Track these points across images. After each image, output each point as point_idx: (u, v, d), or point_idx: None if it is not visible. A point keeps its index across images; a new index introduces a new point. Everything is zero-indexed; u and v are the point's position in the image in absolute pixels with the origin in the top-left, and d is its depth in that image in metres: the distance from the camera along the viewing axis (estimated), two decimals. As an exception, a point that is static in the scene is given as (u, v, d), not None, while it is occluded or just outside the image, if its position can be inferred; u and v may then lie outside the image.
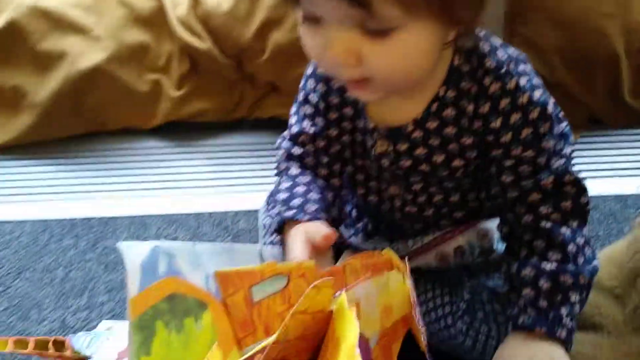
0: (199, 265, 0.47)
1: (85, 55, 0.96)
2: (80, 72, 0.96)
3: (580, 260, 0.52)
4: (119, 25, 0.98)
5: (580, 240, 0.53)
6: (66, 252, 0.85)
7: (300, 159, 0.62)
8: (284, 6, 0.93)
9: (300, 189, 0.59)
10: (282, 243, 0.57)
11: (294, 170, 0.61)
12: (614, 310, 0.63)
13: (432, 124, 0.55)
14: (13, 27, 0.95)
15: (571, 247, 0.52)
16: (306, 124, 0.61)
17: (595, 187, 0.92)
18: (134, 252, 0.43)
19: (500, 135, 0.53)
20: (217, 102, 1.01)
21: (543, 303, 0.51)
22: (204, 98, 1.01)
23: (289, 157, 0.62)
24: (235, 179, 0.97)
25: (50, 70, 0.97)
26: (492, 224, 0.65)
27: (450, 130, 0.55)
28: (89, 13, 0.99)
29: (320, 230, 0.53)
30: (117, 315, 0.76)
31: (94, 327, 0.74)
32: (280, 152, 0.64)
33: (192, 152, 1.02)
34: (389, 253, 0.50)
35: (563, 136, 0.54)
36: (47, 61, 0.97)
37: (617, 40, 0.98)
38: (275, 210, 0.58)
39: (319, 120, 0.60)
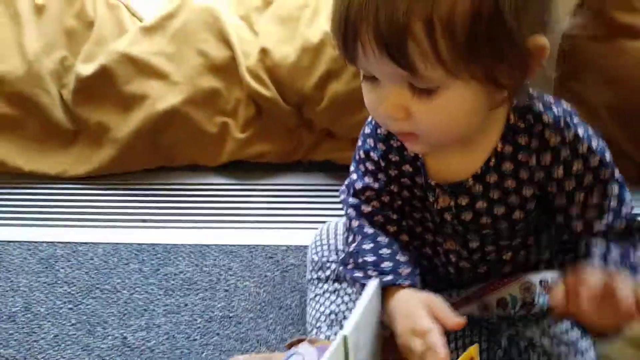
0: None
1: (164, 97, 1.07)
2: (159, 112, 1.06)
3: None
4: (195, 72, 1.08)
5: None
6: (132, 275, 0.93)
7: (370, 217, 0.64)
8: (342, 60, 1.00)
9: (386, 251, 0.62)
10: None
11: (369, 229, 0.64)
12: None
13: (491, 178, 0.58)
14: (104, 71, 1.08)
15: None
16: (369, 179, 0.64)
17: None
18: None
19: (564, 184, 0.56)
20: (277, 145, 1.08)
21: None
22: (266, 141, 1.08)
23: (359, 213, 0.65)
24: (289, 216, 1.03)
25: (133, 110, 1.08)
26: (536, 278, 0.66)
27: (509, 183, 0.58)
28: (170, 60, 1.10)
29: (445, 309, 0.55)
30: (171, 337, 0.82)
31: (152, 345, 0.81)
32: (348, 208, 0.66)
33: (251, 189, 1.10)
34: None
35: (622, 184, 0.58)
36: (130, 102, 1.08)
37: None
38: (364, 273, 0.61)
39: (382, 176, 0.64)
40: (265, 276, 0.91)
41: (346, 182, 0.68)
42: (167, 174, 1.13)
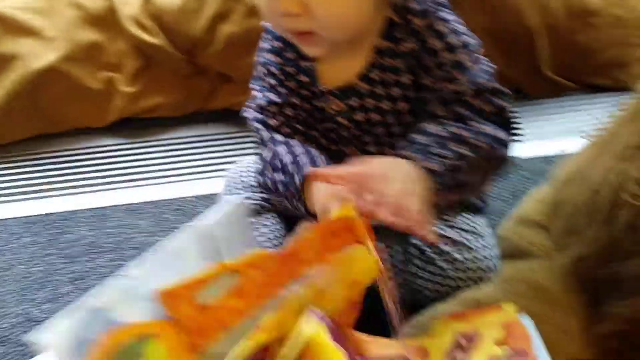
0: (137, 296, 0.46)
1: (38, 56, 0.98)
2: (34, 72, 0.97)
3: (477, 127, 0.58)
4: (71, 25, 1.00)
5: (486, 126, 0.58)
6: (26, 249, 0.85)
7: (277, 130, 0.65)
8: (229, 1, 0.98)
9: (299, 149, 0.62)
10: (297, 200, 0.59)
11: (279, 137, 0.64)
12: (541, 238, 0.71)
13: (375, 74, 0.60)
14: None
15: (473, 122, 0.58)
16: (272, 95, 0.65)
17: (523, 150, 1.02)
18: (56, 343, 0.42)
19: (428, 64, 0.59)
20: (170, 96, 1.04)
21: (424, 139, 0.57)
22: (157, 93, 1.03)
23: (267, 127, 0.65)
24: (192, 168, 1.00)
25: (3, 73, 0.97)
26: None
27: (390, 76, 0.60)
28: (40, 15, 1.00)
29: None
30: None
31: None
32: (256, 124, 0.66)
33: (148, 147, 1.04)
34: (347, 212, 0.50)
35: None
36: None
37: (533, 19, 1.08)
38: (284, 175, 0.61)
39: (282, 90, 0.64)
40: (176, 228, 0.88)
41: (248, 101, 0.68)
42: (50, 140, 1.04)
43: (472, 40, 0.61)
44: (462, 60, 0.59)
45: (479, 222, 0.71)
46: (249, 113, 0.67)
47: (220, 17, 1.00)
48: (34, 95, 0.99)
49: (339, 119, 0.64)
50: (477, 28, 1.04)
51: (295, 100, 0.65)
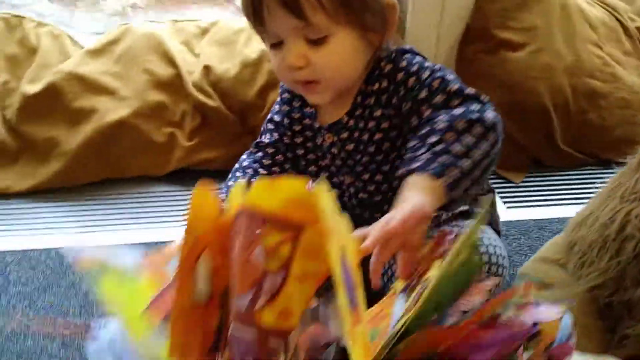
0: None
1: (112, 110, 1.13)
2: (108, 124, 1.11)
3: (446, 116, 0.61)
4: (142, 87, 1.16)
5: (454, 111, 0.62)
6: (90, 272, 0.94)
7: (268, 167, 0.79)
8: (254, 30, 1.14)
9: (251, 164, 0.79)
10: None
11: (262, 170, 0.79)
12: (559, 272, 0.78)
13: (358, 111, 0.72)
14: (52, 89, 1.12)
15: (440, 117, 0.62)
16: (266, 136, 0.80)
17: (542, 213, 1.13)
18: None
19: (401, 94, 0.68)
20: (223, 151, 1.16)
21: (407, 155, 0.61)
22: (212, 148, 1.16)
23: (249, 154, 0.81)
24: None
25: (81, 124, 1.12)
26: None
27: (367, 112, 0.72)
28: (117, 78, 1.17)
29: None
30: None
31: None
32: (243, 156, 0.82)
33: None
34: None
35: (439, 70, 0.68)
36: (79, 116, 1.13)
37: (545, 97, 1.20)
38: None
39: (276, 135, 0.79)
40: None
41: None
42: (117, 184, 1.16)
43: (434, 65, 0.69)
44: (424, 78, 0.67)
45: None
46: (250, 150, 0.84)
47: (270, 85, 1.15)
48: (106, 145, 1.12)
49: (333, 150, 0.75)
50: (495, 103, 1.19)
51: (298, 139, 0.78)
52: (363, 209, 0.78)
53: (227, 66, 1.17)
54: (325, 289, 0.43)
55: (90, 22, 1.97)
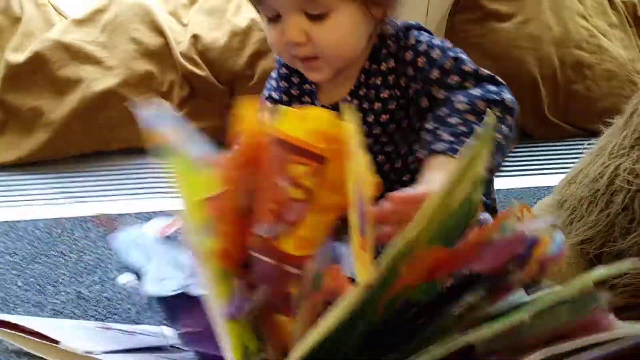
0: None
1: (99, 80, 1.11)
2: (94, 94, 1.10)
3: (465, 98, 0.60)
4: (129, 57, 1.14)
5: (472, 91, 0.61)
6: (78, 242, 0.93)
7: None
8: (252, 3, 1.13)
9: None
10: None
11: None
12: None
13: (362, 91, 0.69)
14: (37, 58, 1.10)
15: (459, 97, 0.60)
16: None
17: (527, 182, 1.14)
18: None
19: (410, 75, 0.65)
20: (212, 122, 1.15)
21: (426, 136, 0.59)
22: (200, 119, 1.15)
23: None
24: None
25: (67, 94, 1.11)
26: None
27: (372, 92, 0.68)
28: (103, 47, 1.15)
29: None
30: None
31: (109, 295, 0.82)
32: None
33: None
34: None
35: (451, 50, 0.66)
36: (64, 86, 1.11)
37: (533, 68, 1.21)
38: None
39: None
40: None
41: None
42: (104, 157, 1.15)
43: (442, 43, 0.66)
44: (434, 57, 0.64)
45: (485, 217, 0.77)
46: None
47: (259, 55, 1.14)
48: (93, 115, 1.11)
49: None
50: (483, 72, 1.21)
51: None
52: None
53: (215, 35, 1.16)
54: (341, 232, 0.44)
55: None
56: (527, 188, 1.12)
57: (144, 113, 0.50)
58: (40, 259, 0.90)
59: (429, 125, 0.61)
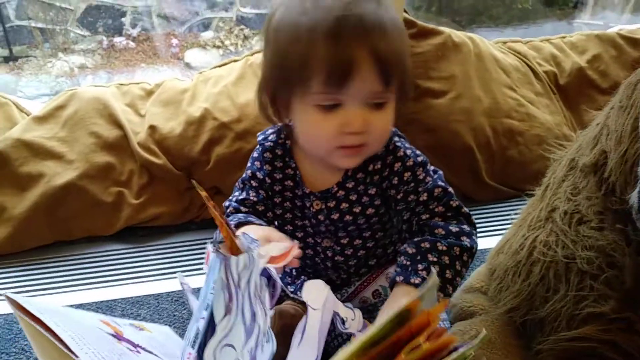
0: None
1: (60, 174, 1.16)
2: (55, 188, 1.14)
3: (445, 233, 0.71)
4: (89, 150, 1.20)
5: (451, 227, 0.72)
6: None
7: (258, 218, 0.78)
8: (221, 129, 1.21)
9: (255, 219, 0.76)
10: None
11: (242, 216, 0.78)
12: (482, 300, 0.85)
13: (349, 184, 0.76)
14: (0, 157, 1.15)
15: (439, 229, 0.72)
16: (252, 193, 0.79)
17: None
18: None
19: (393, 182, 0.75)
20: (170, 207, 1.21)
21: (406, 262, 0.70)
22: (159, 205, 1.20)
23: (238, 211, 0.79)
24: (187, 267, 1.13)
25: (29, 189, 1.15)
26: (392, 268, 0.85)
27: (362, 187, 0.76)
28: (64, 142, 1.20)
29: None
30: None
31: None
32: (230, 209, 0.80)
33: (149, 250, 1.19)
34: None
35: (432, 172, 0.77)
36: (26, 181, 1.15)
37: (468, 138, 1.32)
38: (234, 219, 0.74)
39: (262, 192, 0.79)
40: (174, 315, 1.00)
41: (229, 198, 0.82)
42: (65, 247, 1.18)
43: (422, 158, 0.76)
44: (419, 175, 0.75)
45: None
46: (229, 202, 0.81)
47: (214, 141, 1.22)
48: (54, 208, 1.15)
49: (319, 217, 0.78)
50: (423, 145, 1.30)
51: (277, 199, 0.79)
52: (336, 270, 0.83)
53: (172, 125, 1.23)
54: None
55: (37, 85, 2.00)
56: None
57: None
58: (1, 357, 0.91)
59: (407, 249, 0.71)
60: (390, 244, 0.85)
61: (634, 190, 0.66)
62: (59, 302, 1.03)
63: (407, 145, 0.78)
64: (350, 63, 0.63)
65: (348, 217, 0.78)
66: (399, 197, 0.75)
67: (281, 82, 0.69)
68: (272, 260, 0.63)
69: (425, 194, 0.74)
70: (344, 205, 0.77)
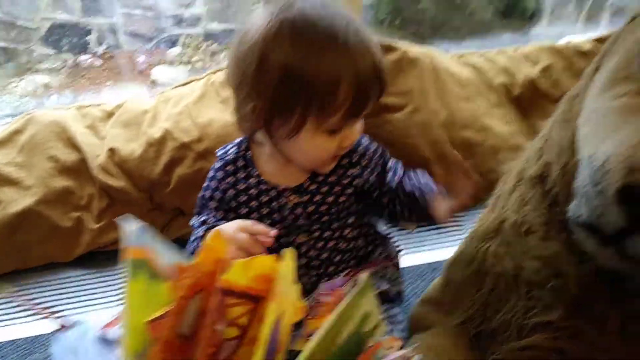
0: None
1: (16, 201, 1.14)
2: (11, 215, 1.12)
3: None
4: (47, 175, 1.18)
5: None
6: (-3, 369, 0.94)
7: None
8: (182, 149, 1.21)
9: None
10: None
11: None
12: (437, 313, 0.88)
13: (319, 178, 0.83)
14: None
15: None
16: (211, 214, 0.84)
17: (434, 256, 1.25)
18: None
19: (362, 164, 0.85)
20: (132, 229, 1.20)
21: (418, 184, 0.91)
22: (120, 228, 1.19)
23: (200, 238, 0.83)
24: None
25: (-16, 217, 1.13)
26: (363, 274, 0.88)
27: (332, 179, 0.83)
28: (21, 168, 1.19)
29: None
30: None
31: None
32: (199, 229, 0.84)
33: (111, 275, 1.18)
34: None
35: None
36: (-19, 210, 1.13)
37: (426, 151, 1.35)
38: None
39: (220, 214, 0.84)
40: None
41: (193, 219, 0.86)
42: (20, 274, 1.15)
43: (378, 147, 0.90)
44: (379, 151, 0.88)
45: (395, 312, 0.88)
46: (195, 220, 0.86)
47: (174, 162, 1.21)
48: (11, 236, 1.13)
49: (297, 211, 0.83)
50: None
51: (244, 210, 0.83)
52: (308, 271, 0.85)
53: (132, 146, 1.23)
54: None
55: (1, 106, 1.96)
56: (433, 263, 1.22)
57: (125, 231, 0.54)
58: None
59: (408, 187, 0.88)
60: (363, 244, 0.91)
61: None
62: (19, 332, 1.01)
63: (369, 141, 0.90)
64: (367, 100, 0.75)
65: (323, 208, 0.83)
66: (370, 178, 0.85)
67: (297, 108, 0.72)
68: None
69: (392, 161, 0.90)
70: (318, 197, 0.83)
